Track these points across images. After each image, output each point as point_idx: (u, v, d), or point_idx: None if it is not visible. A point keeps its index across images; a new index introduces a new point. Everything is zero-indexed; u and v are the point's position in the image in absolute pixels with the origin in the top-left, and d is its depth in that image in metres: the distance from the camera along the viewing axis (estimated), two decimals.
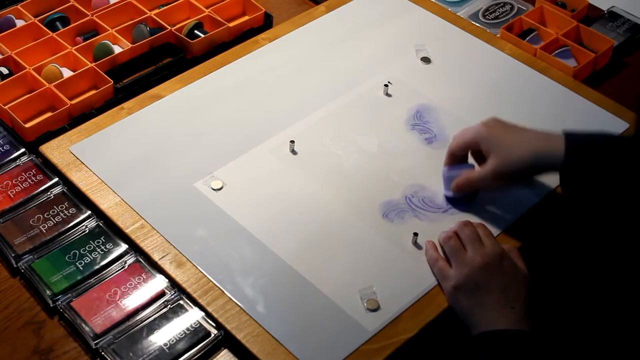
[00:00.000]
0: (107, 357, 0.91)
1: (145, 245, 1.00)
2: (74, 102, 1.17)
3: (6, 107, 1.15)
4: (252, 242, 1.01)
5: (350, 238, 1.02)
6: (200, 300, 0.95)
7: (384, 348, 0.92)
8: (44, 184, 1.07)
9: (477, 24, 1.36)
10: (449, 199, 1.07)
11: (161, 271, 0.98)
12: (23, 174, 1.08)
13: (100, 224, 1.03)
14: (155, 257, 0.99)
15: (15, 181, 1.07)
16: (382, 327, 0.94)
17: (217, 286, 0.97)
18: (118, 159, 1.10)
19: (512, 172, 1.00)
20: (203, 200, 1.06)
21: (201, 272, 0.98)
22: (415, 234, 1.02)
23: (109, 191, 1.06)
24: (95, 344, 0.91)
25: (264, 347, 0.91)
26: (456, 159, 1.06)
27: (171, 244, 1.01)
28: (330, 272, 0.99)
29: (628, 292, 0.80)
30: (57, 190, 1.06)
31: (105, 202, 1.05)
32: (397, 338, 0.93)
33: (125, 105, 1.18)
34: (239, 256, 1.00)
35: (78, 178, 1.08)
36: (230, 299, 0.95)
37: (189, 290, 0.96)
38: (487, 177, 1.01)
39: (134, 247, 1.01)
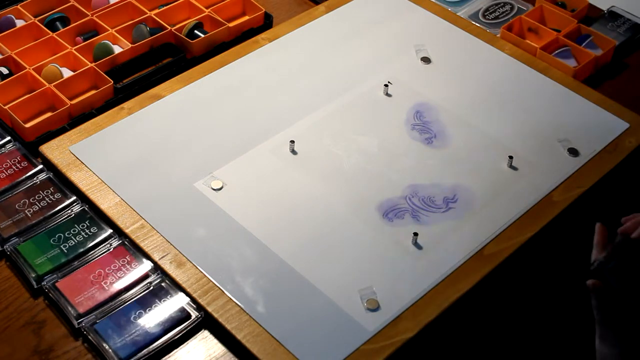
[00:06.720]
0: (90, 336, 0.92)
1: (145, 245, 1.00)
2: (74, 102, 1.17)
3: (6, 107, 1.15)
4: (252, 242, 1.01)
5: (350, 238, 1.03)
6: (200, 300, 0.95)
7: (384, 348, 0.92)
8: (29, 171, 1.08)
9: (477, 24, 1.36)
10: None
11: (161, 271, 0.99)
12: (8, 161, 1.09)
13: (86, 209, 1.04)
14: (155, 257, 0.99)
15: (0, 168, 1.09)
16: (382, 327, 0.94)
17: (217, 286, 0.97)
18: (118, 159, 1.10)
19: None
20: (203, 200, 1.06)
21: (201, 272, 0.98)
22: (415, 234, 1.02)
23: (109, 191, 1.06)
24: (78, 323, 0.93)
25: (264, 347, 0.91)
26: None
27: (171, 244, 1.01)
28: (330, 272, 0.99)
29: None
30: (42, 176, 1.08)
31: (105, 202, 1.05)
32: (397, 338, 0.93)
33: (125, 105, 1.18)
34: (239, 256, 1.00)
35: (78, 178, 1.08)
36: (230, 299, 0.95)
37: (189, 290, 0.96)
38: None
39: (134, 247, 1.01)
